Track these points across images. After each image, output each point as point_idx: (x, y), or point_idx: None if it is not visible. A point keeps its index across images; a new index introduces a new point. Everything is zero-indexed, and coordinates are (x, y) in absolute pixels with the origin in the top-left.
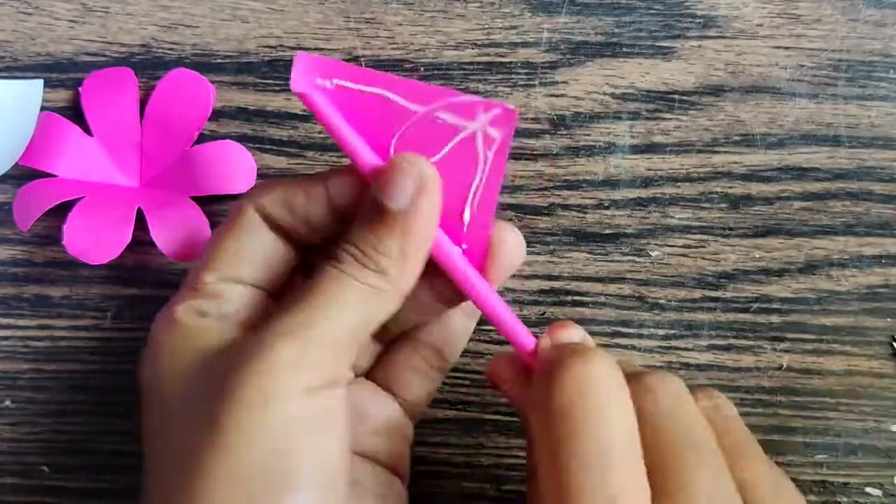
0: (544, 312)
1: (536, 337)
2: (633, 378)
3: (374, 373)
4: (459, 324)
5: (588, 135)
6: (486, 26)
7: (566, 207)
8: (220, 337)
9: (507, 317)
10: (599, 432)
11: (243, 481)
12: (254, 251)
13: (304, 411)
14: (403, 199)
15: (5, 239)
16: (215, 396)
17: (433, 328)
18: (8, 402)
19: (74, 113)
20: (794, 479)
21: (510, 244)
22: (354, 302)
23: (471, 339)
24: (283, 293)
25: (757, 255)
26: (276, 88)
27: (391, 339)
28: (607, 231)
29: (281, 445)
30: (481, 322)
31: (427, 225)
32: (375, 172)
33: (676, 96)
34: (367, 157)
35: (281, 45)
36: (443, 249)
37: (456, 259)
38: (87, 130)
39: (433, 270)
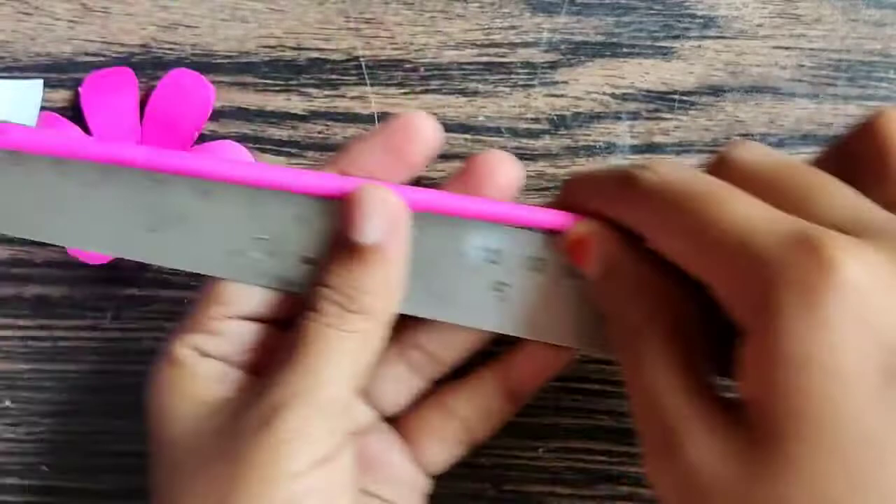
0: None
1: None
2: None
3: (403, 420)
4: (496, 405)
5: (588, 135)
6: (486, 26)
7: None
8: (223, 382)
9: (516, 209)
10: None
11: None
12: None
13: (312, 485)
14: (376, 234)
15: (6, 239)
16: (225, 463)
17: (470, 401)
18: (8, 402)
19: (74, 113)
20: None
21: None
22: (347, 355)
23: None
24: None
25: None
26: (276, 89)
27: (434, 377)
28: None
29: None
30: None
31: (404, 248)
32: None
33: (676, 96)
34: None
35: (281, 45)
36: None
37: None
38: (87, 130)
39: (506, 372)
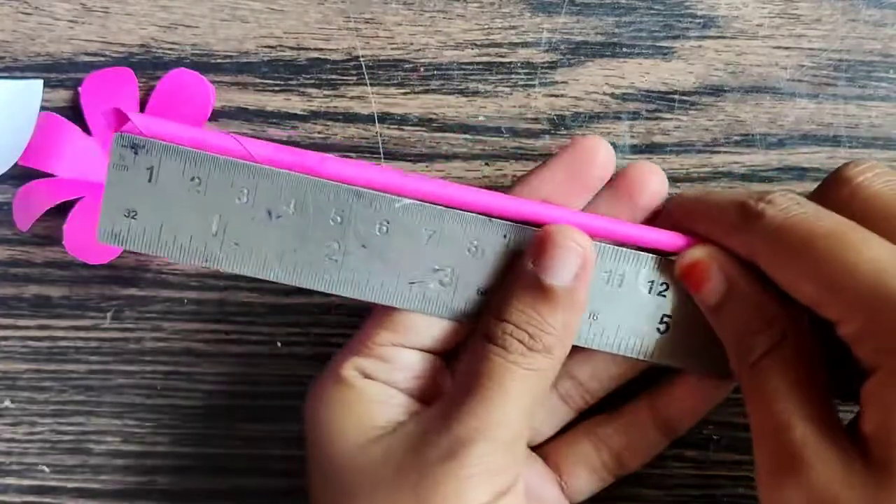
0: None
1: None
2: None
3: (551, 449)
4: (650, 438)
5: (588, 135)
6: (486, 26)
7: None
8: (393, 406)
9: (642, 230)
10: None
11: None
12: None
13: None
14: (568, 277)
15: (5, 239)
16: (408, 491)
17: (623, 433)
18: (8, 402)
19: (74, 113)
20: None
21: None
22: (528, 392)
23: None
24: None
25: None
26: (276, 88)
27: (580, 407)
28: None
29: None
30: None
31: (588, 290)
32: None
33: (676, 96)
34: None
35: (281, 45)
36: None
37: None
38: (87, 130)
39: (658, 403)
